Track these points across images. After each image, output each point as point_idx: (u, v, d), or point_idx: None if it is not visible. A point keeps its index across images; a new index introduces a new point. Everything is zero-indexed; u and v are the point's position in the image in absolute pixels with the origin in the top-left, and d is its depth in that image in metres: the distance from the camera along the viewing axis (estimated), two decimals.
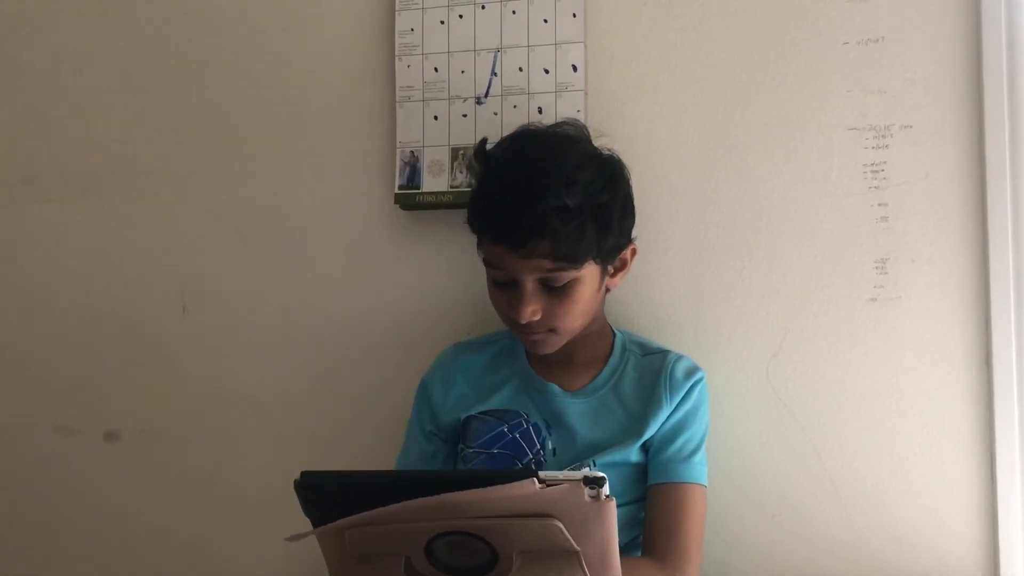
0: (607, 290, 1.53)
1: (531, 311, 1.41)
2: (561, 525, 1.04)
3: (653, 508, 1.47)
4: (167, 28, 1.95)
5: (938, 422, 1.59)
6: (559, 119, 1.65)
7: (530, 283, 1.41)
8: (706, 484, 1.49)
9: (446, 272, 1.78)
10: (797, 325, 1.65)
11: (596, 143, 1.52)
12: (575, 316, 1.45)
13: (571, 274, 1.40)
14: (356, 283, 1.84)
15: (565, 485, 1.01)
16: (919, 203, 1.60)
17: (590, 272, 1.43)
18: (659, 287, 1.70)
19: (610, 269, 1.49)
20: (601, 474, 1.01)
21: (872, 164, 1.62)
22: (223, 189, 1.91)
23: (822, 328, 1.64)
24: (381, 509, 1.06)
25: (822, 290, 1.64)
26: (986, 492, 1.56)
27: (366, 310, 1.83)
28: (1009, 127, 1.56)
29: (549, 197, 1.35)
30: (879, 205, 1.61)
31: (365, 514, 1.07)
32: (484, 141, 1.51)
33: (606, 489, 1.01)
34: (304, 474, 1.09)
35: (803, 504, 1.64)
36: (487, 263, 1.45)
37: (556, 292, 1.42)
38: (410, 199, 1.76)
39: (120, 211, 1.97)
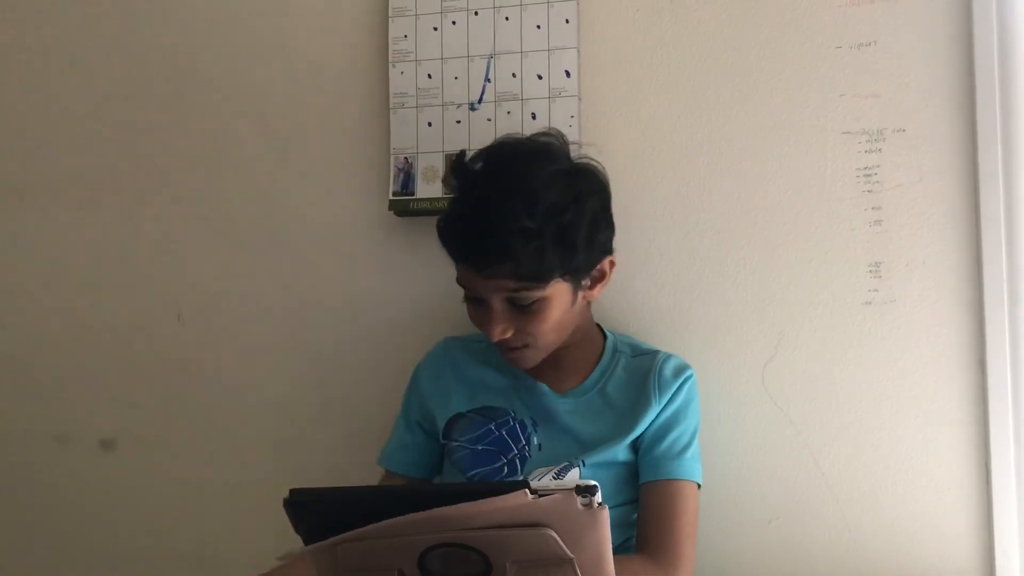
0: (588, 302, 1.53)
1: (500, 330, 1.42)
2: (554, 534, 1.03)
3: (646, 506, 1.47)
4: (161, 37, 1.95)
5: (933, 425, 1.59)
6: (551, 125, 1.66)
7: (497, 302, 1.41)
8: (699, 480, 1.49)
9: (441, 278, 1.75)
10: (792, 329, 1.65)
11: (584, 151, 1.51)
12: (546, 333, 1.45)
13: (536, 293, 1.39)
14: (351, 289, 1.84)
15: (557, 495, 1.00)
16: (913, 207, 1.60)
17: (559, 290, 1.42)
18: (653, 292, 1.70)
19: (585, 283, 1.48)
20: (594, 482, 1.01)
21: (865, 168, 1.62)
22: (218, 196, 1.91)
23: (817, 332, 1.64)
24: (372, 525, 1.05)
25: (817, 294, 1.64)
26: (981, 495, 1.57)
27: (361, 316, 1.83)
28: (1001, 130, 1.56)
29: (508, 220, 1.34)
30: (873, 209, 1.62)
31: (355, 531, 1.06)
32: (463, 154, 1.48)
33: (598, 497, 1.01)
34: (293, 492, 1.08)
35: (799, 508, 1.64)
36: (458, 281, 1.45)
37: (525, 310, 1.41)
38: (404, 205, 1.76)
39: (115, 219, 1.97)
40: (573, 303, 1.47)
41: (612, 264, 1.51)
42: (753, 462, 1.66)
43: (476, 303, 1.45)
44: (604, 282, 1.51)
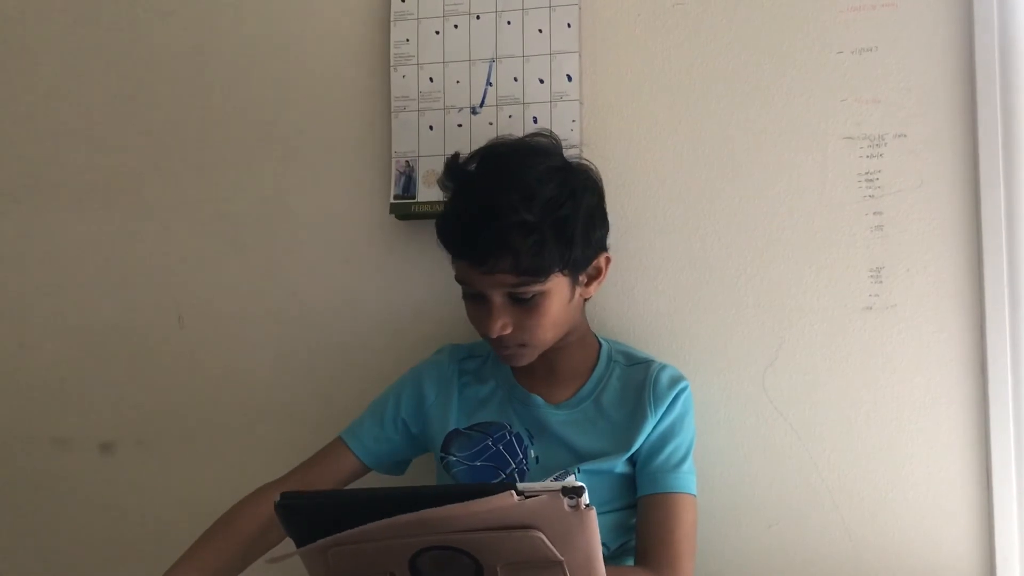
0: (584, 299, 1.52)
1: (500, 325, 1.41)
2: (543, 536, 1.03)
3: (644, 519, 1.46)
4: (164, 41, 1.95)
5: (933, 430, 1.59)
6: (553, 129, 1.65)
7: (497, 297, 1.41)
8: (695, 493, 1.48)
9: (441, 281, 1.76)
10: (792, 334, 1.65)
11: (585, 155, 1.52)
12: (545, 328, 1.44)
13: (537, 287, 1.39)
14: (352, 293, 1.84)
15: (544, 496, 1.00)
16: (914, 212, 1.60)
17: (558, 284, 1.42)
18: (654, 297, 1.70)
19: (583, 279, 1.47)
20: (580, 484, 1.01)
21: (867, 173, 1.62)
22: (219, 200, 1.91)
23: (818, 337, 1.64)
24: (361, 527, 1.05)
25: (817, 299, 1.64)
26: (982, 500, 1.56)
27: (362, 320, 1.83)
28: (1003, 135, 1.56)
29: (508, 213, 1.35)
30: (874, 214, 1.61)
31: (346, 533, 1.06)
32: (456, 156, 1.49)
33: (585, 498, 1.01)
34: (284, 495, 1.08)
35: (800, 513, 1.64)
36: (456, 278, 1.45)
37: (524, 305, 1.41)
38: (405, 209, 1.76)
39: (116, 221, 1.97)
40: (571, 299, 1.47)
41: (608, 261, 1.51)
42: (753, 467, 1.66)
43: (475, 300, 1.45)
44: (600, 279, 1.51)
